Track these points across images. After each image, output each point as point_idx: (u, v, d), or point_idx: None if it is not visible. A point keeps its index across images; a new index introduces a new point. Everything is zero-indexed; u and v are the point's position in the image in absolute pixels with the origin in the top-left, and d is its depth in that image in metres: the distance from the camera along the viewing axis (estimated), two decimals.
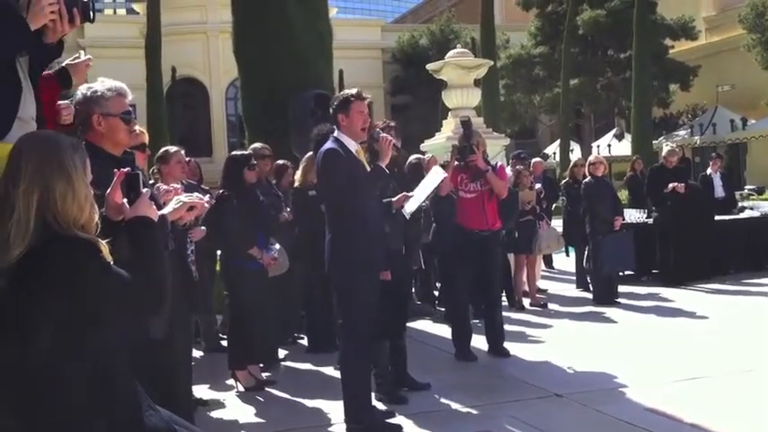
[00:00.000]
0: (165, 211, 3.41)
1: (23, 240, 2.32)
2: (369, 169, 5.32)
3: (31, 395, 2.33)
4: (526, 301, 10.17)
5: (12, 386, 2.34)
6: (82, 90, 3.60)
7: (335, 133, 5.37)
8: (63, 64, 3.75)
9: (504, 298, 8.50)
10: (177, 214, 3.60)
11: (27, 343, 2.33)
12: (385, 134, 5.44)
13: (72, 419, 2.33)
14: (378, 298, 5.36)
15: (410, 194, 6.02)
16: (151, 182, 5.38)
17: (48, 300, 2.31)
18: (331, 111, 5.43)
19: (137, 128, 4.61)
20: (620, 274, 10.97)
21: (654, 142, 29.37)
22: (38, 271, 2.31)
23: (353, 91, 5.37)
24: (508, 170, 9.49)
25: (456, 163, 7.55)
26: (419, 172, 7.69)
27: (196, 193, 4.75)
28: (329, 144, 5.31)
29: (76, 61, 3.82)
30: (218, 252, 7.50)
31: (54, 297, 2.31)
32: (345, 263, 5.26)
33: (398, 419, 5.53)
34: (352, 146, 5.31)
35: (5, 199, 2.36)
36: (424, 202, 6.57)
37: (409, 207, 6.00)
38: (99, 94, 3.56)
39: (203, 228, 6.09)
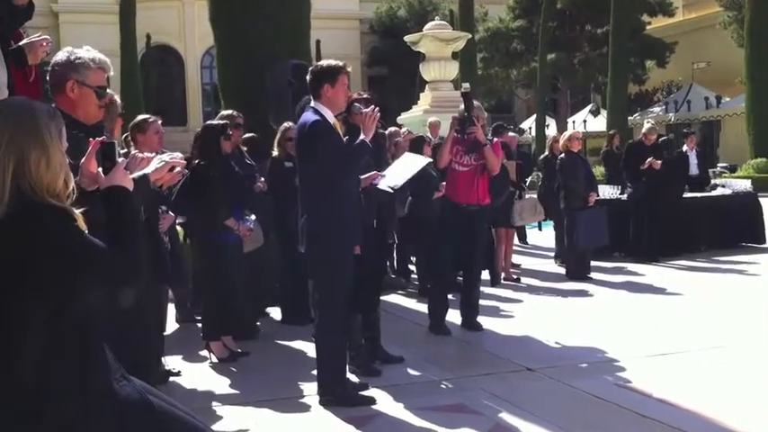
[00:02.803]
0: (148, 170, 3.33)
1: None
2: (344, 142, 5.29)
3: (2, 367, 2.30)
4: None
5: None
6: (64, 52, 3.46)
7: (313, 104, 5.30)
8: (20, 43, 3.67)
9: (486, 274, 8.43)
10: (159, 174, 3.51)
11: None
12: (367, 109, 5.39)
13: (45, 390, 2.31)
14: (353, 271, 5.36)
15: (382, 173, 5.97)
16: (124, 151, 5.31)
17: (21, 268, 2.27)
18: (310, 80, 5.36)
19: (113, 95, 4.53)
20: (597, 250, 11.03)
21: (629, 118, 29.54)
22: (11, 239, 2.28)
23: (339, 62, 5.32)
24: None
25: (455, 135, 7.47)
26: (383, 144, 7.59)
27: (173, 153, 4.68)
28: (312, 115, 5.22)
29: (33, 40, 3.74)
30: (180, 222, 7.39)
31: (27, 265, 2.28)
32: (322, 235, 5.24)
33: (372, 391, 5.54)
34: (331, 118, 5.27)
35: None
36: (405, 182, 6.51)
37: (384, 184, 5.95)
38: (81, 61, 3.41)
39: (172, 215, 6.08)
